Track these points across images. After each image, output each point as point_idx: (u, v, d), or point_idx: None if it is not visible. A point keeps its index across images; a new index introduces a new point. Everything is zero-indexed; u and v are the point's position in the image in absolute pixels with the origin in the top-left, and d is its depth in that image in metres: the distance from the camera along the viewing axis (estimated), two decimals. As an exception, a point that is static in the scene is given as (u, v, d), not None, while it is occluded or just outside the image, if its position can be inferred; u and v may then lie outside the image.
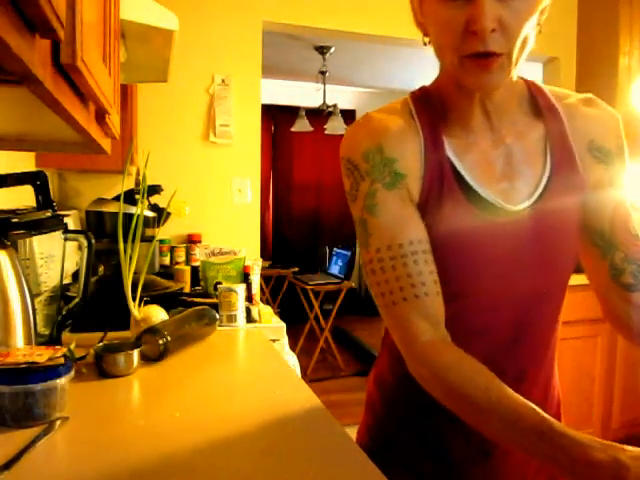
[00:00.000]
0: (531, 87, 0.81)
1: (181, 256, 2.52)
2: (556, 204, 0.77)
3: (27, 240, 1.27)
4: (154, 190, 1.81)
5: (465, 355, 0.69)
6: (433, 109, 0.79)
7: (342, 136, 0.83)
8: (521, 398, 0.64)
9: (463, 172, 0.76)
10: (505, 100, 0.77)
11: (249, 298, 1.73)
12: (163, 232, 2.14)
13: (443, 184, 0.75)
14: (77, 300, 1.15)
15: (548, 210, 0.76)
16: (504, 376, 0.75)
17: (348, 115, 5.24)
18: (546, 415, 0.61)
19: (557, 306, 0.84)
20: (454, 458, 0.83)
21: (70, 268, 1.80)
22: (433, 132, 0.77)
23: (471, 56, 0.67)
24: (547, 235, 0.77)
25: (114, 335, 1.23)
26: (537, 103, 0.80)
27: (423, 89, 0.83)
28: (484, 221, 0.75)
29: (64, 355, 0.84)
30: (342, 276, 4.65)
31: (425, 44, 0.76)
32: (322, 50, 4.26)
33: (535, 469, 0.86)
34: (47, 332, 1.13)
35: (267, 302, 4.42)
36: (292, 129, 5.08)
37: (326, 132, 4.84)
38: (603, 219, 0.79)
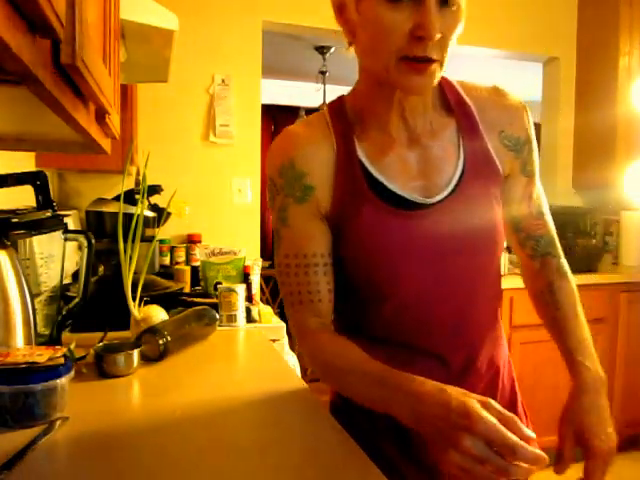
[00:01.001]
0: (442, 84, 0.83)
1: (181, 256, 2.52)
2: (471, 193, 0.81)
3: (27, 240, 1.27)
4: (154, 190, 1.81)
5: (339, 337, 0.80)
6: (347, 117, 0.82)
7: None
8: (374, 360, 0.71)
9: (376, 174, 0.79)
10: (420, 101, 0.80)
11: (249, 298, 1.74)
12: (163, 232, 2.14)
13: (356, 189, 0.79)
14: (77, 300, 1.15)
15: (464, 199, 0.80)
16: (450, 369, 0.82)
17: (348, 115, 5.23)
18: (393, 369, 0.68)
19: (491, 295, 0.88)
20: (414, 439, 0.83)
21: (70, 268, 1.80)
22: (345, 139, 0.81)
23: (409, 59, 0.69)
24: (464, 222, 0.81)
25: (114, 335, 1.23)
26: (447, 99, 0.83)
27: (340, 98, 0.86)
28: (405, 217, 0.79)
29: (64, 355, 0.84)
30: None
31: (347, 48, 0.79)
32: (322, 50, 4.25)
33: None
34: (47, 332, 1.13)
35: (267, 302, 4.42)
36: (292, 129, 5.07)
37: (326, 132, 4.85)
38: (514, 204, 0.86)
